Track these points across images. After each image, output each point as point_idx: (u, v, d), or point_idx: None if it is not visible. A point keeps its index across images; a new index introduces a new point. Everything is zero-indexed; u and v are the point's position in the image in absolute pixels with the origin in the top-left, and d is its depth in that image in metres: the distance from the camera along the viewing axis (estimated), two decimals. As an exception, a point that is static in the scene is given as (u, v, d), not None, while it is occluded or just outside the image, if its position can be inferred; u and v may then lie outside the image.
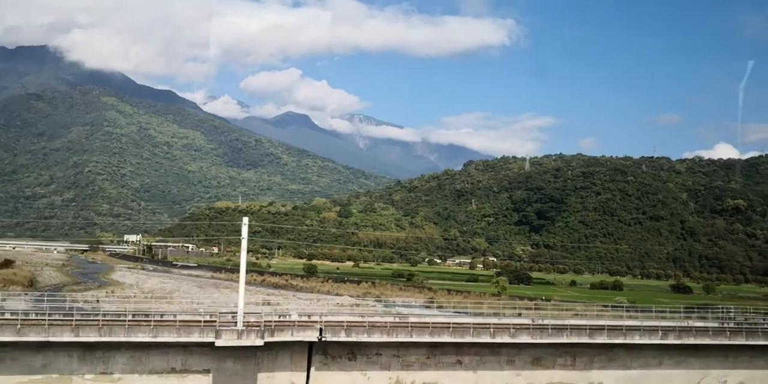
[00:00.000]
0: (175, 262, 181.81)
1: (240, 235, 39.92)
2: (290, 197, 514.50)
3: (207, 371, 36.53)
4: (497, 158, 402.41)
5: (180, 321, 36.31)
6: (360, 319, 39.98)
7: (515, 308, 62.24)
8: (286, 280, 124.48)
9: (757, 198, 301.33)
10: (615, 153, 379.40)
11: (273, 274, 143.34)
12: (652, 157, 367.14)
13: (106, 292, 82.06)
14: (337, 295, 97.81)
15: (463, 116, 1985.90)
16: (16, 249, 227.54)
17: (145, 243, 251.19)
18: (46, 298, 44.62)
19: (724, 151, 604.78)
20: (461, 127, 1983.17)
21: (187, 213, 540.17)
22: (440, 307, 69.85)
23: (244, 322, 36.86)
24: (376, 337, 38.31)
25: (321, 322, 38.47)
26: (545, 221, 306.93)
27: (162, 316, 37.53)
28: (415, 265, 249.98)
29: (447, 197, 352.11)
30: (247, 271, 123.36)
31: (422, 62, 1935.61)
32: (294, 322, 38.87)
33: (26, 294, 65.46)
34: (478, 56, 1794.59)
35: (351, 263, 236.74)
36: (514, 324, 41.30)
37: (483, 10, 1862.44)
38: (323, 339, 37.26)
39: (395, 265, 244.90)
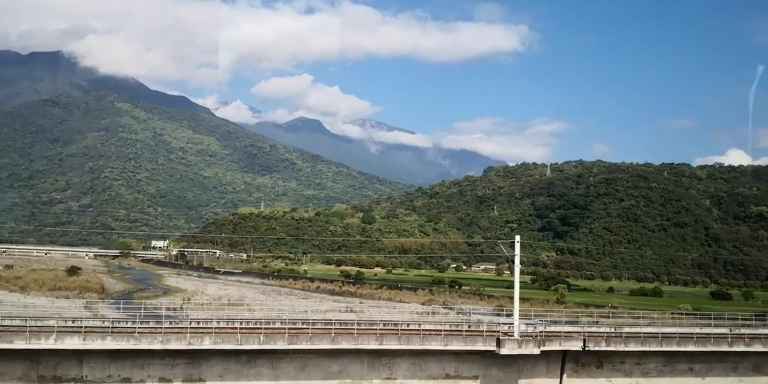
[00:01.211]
0: (217, 269, 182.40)
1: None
2: (306, 203, 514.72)
3: (476, 377, 40.40)
4: (517, 164, 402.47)
5: (465, 330, 40.64)
6: (614, 330, 43.50)
7: (624, 316, 62.71)
8: (340, 287, 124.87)
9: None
10: (627, 158, 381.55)
11: (323, 280, 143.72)
12: (672, 164, 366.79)
13: (184, 299, 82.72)
14: (399, 301, 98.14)
15: (476, 122, 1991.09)
16: (48, 255, 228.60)
17: (175, 249, 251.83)
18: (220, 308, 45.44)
19: (736, 157, 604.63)
20: (473, 133, 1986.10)
21: (203, 218, 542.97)
22: (526, 316, 70.19)
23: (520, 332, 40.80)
24: (632, 347, 41.77)
25: (584, 332, 41.93)
26: (569, 227, 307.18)
27: (408, 325, 40.94)
28: (443, 271, 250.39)
29: (469, 203, 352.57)
30: (286, 277, 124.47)
31: (435, 68, 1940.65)
32: (561, 332, 42.08)
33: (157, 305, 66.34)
34: (491, 62, 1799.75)
35: (380, 269, 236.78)
36: (715, 334, 44.48)
37: (496, 17, 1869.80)
38: (587, 349, 40.31)
39: (423, 271, 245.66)
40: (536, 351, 38.62)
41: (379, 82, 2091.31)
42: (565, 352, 40.72)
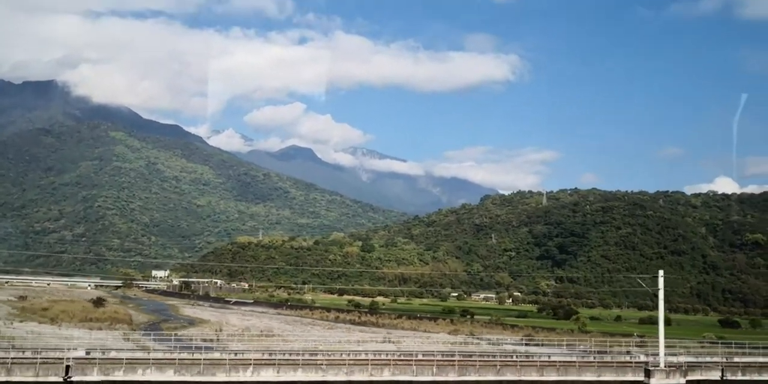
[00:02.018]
0: (227, 299, 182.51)
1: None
2: (300, 231, 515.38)
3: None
4: (513, 193, 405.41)
5: (617, 362, 43.80)
6: (753, 361, 47.32)
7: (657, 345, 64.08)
8: (359, 317, 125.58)
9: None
10: (616, 186, 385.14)
11: (339, 310, 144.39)
12: (666, 192, 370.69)
13: (216, 330, 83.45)
14: (425, 331, 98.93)
15: (466, 150, 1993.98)
16: (51, 285, 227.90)
17: (175, 279, 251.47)
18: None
19: (724, 184, 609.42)
20: (464, 161, 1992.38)
21: (197, 247, 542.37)
22: (569, 344, 71.56)
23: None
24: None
25: (722, 362, 45.52)
26: (567, 256, 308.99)
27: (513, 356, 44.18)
28: (444, 299, 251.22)
29: (466, 232, 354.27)
30: (299, 307, 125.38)
31: (426, 97, 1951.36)
32: (701, 363, 45.25)
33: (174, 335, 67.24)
34: (483, 91, 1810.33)
35: (382, 298, 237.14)
36: None
37: (487, 47, 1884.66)
38: (725, 378, 43.65)
39: (425, 300, 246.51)
40: (682, 381, 40.54)
41: (371, 110, 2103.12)
42: (700, 382, 42.93)
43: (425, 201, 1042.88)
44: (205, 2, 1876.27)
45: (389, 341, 74.03)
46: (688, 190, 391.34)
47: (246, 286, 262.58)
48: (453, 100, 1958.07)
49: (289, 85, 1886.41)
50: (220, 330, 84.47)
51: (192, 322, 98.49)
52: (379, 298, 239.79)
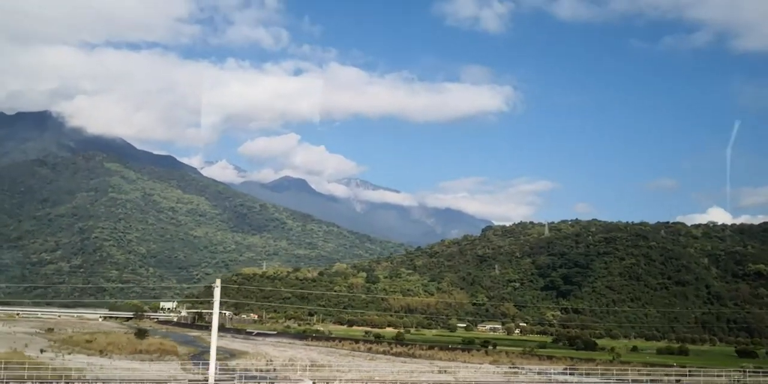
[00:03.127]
0: (249, 330, 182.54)
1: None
2: (297, 262, 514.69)
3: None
4: (514, 224, 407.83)
5: None
6: None
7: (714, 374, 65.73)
8: (391, 348, 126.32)
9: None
10: (609, 217, 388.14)
11: (365, 341, 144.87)
12: (667, 223, 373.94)
13: (267, 361, 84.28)
14: (464, 362, 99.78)
15: (460, 181, 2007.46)
16: (61, 317, 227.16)
17: (183, 310, 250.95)
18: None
19: (717, 215, 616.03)
20: (458, 192, 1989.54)
21: (195, 278, 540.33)
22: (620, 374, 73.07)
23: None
24: None
25: None
26: (572, 286, 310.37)
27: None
28: (453, 330, 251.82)
29: (469, 263, 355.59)
30: (318, 338, 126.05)
31: (420, 128, 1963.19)
32: None
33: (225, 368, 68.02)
34: (476, 122, 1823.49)
35: (391, 329, 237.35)
36: None
37: (481, 78, 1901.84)
38: None
39: (435, 331, 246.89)
40: None
41: (365, 141, 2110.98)
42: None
43: (419, 232, 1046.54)
44: (200, 34, 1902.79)
45: (444, 372, 75.15)
46: (682, 220, 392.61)
47: (255, 317, 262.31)
48: (447, 131, 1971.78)
49: (283, 116, 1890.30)
50: (270, 361, 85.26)
51: (233, 354, 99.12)
52: (388, 329, 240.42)
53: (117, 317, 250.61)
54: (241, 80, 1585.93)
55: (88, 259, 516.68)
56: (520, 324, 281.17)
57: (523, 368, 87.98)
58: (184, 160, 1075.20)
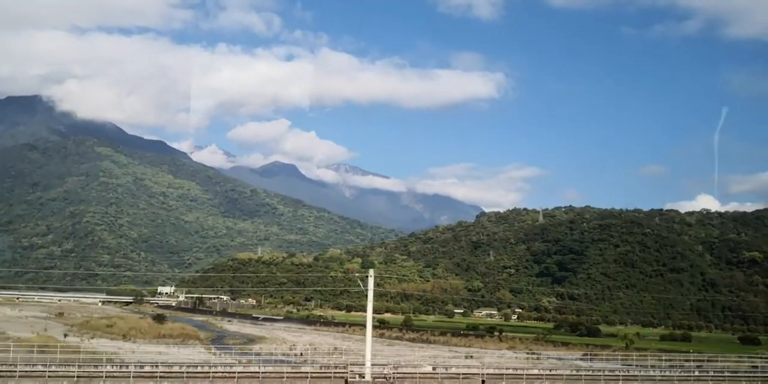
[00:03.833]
0: (255, 315, 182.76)
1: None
2: (288, 248, 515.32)
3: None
4: (508, 210, 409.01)
5: None
6: None
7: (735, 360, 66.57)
8: (403, 333, 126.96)
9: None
10: (599, 204, 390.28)
11: (378, 327, 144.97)
12: (661, 210, 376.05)
13: (291, 347, 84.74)
14: (481, 348, 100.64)
15: (450, 167, 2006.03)
16: (61, 302, 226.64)
17: (181, 295, 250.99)
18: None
19: (705, 202, 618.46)
20: (447, 178, 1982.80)
21: (186, 263, 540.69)
22: (647, 363, 73.78)
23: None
24: None
25: None
26: (567, 273, 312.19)
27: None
28: (451, 316, 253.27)
29: (464, 249, 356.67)
30: (327, 323, 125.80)
31: (411, 114, 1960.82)
32: None
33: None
34: (467, 109, 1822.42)
35: (389, 315, 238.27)
36: None
37: (474, 65, 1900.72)
38: None
39: (432, 317, 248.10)
40: None
41: (355, 127, 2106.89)
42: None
43: (408, 217, 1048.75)
44: (192, 19, 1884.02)
45: (471, 357, 75.78)
46: (672, 207, 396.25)
47: (254, 302, 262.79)
48: (437, 117, 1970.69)
49: (274, 102, 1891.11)
50: (294, 346, 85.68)
51: (252, 339, 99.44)
52: (387, 315, 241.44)
53: (116, 302, 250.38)
54: (232, 65, 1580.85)
55: (80, 243, 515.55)
56: (516, 310, 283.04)
57: (541, 354, 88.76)
58: (174, 145, 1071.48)
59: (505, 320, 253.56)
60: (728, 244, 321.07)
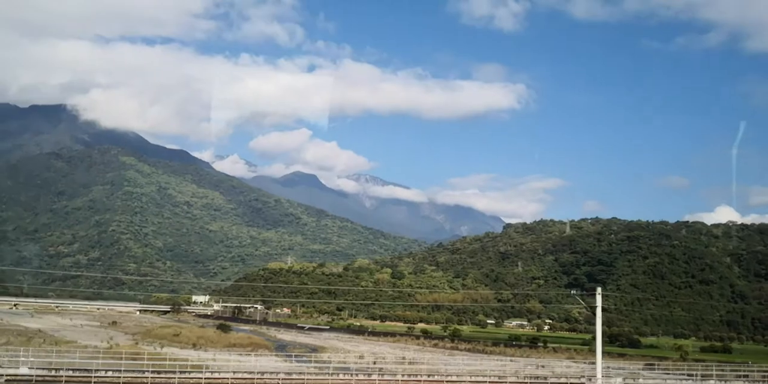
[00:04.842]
0: (300, 325, 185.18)
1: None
2: (312, 258, 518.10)
3: None
4: (535, 221, 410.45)
5: None
6: None
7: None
8: (457, 344, 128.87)
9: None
10: (619, 215, 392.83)
11: (426, 337, 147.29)
12: (687, 222, 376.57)
13: (360, 357, 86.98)
14: (541, 358, 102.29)
15: (470, 177, 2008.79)
16: (99, 310, 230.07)
17: (215, 304, 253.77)
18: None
19: (724, 214, 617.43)
20: (467, 189, 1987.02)
21: (211, 272, 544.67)
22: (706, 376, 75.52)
23: None
24: None
25: None
26: (596, 284, 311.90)
27: None
28: (484, 326, 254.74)
29: (491, 259, 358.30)
30: (375, 333, 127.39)
31: (432, 125, 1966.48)
32: None
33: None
34: (488, 120, 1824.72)
35: (423, 325, 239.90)
36: None
37: (495, 76, 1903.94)
38: None
39: (466, 327, 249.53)
40: None
41: (376, 137, 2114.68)
42: None
43: (428, 228, 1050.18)
44: (215, 29, 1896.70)
45: (543, 367, 77.74)
46: (691, 218, 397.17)
47: (288, 311, 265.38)
48: (458, 128, 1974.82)
49: (296, 112, 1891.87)
50: (362, 357, 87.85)
51: (314, 349, 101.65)
52: (420, 325, 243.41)
53: (153, 311, 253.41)
54: (255, 76, 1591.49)
55: (106, 252, 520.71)
56: (547, 321, 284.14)
57: (608, 366, 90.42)
58: (196, 155, 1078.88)
59: (537, 331, 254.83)
60: (756, 256, 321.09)
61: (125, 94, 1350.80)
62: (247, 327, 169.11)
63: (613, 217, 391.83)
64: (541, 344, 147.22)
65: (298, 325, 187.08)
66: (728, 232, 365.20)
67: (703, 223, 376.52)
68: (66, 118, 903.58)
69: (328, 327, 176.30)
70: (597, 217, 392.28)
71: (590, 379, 50.64)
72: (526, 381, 51.90)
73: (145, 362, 55.13)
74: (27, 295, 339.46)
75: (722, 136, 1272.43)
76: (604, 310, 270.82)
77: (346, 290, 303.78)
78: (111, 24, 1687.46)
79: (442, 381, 48.64)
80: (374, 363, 77.94)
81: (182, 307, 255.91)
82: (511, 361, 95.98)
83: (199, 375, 48.79)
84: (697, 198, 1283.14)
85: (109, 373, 45.20)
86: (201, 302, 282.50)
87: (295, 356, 74.94)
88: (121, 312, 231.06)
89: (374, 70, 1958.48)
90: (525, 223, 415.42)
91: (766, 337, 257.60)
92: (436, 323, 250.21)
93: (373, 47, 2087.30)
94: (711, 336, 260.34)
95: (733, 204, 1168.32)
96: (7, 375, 42.55)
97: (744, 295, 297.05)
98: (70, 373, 44.50)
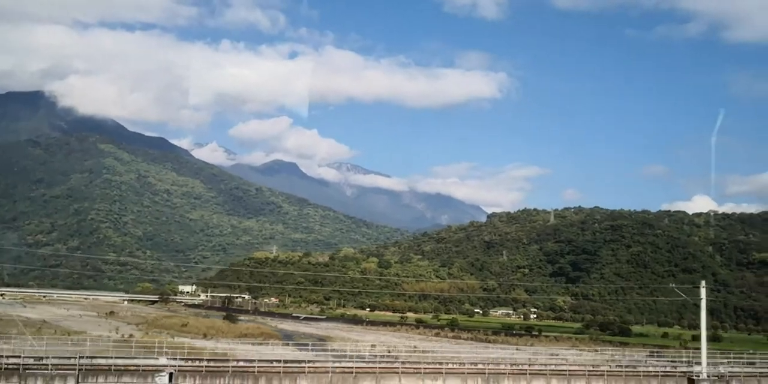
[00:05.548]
0: (296, 315, 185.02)
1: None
2: (294, 246, 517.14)
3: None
4: (519, 210, 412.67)
5: None
6: None
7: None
8: (457, 333, 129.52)
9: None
10: (598, 203, 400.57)
11: (426, 326, 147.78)
12: (669, 211, 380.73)
13: (372, 346, 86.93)
14: (541, 346, 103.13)
15: (451, 166, 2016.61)
16: (87, 300, 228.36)
17: (202, 294, 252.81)
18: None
19: (702, 203, 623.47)
20: (448, 177, 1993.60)
21: (192, 261, 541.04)
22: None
23: None
24: None
25: None
26: (580, 273, 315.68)
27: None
28: (472, 315, 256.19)
29: (477, 248, 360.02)
30: (374, 323, 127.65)
31: (414, 113, 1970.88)
32: None
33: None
34: (470, 108, 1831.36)
35: (412, 314, 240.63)
36: None
37: (478, 64, 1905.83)
38: None
39: (454, 316, 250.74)
40: None
41: (358, 126, 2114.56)
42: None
43: (409, 216, 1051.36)
44: (197, 16, 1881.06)
45: (556, 356, 78.26)
46: (667, 207, 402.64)
47: (276, 301, 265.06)
48: (440, 116, 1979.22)
49: (277, 99, 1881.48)
50: (374, 346, 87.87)
51: (321, 338, 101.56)
52: (409, 314, 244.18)
53: (141, 300, 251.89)
54: (236, 62, 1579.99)
55: (85, 241, 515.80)
56: (532, 309, 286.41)
57: (614, 354, 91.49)
58: (174, 142, 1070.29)
59: (524, 319, 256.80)
60: (738, 246, 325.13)
61: (104, 81, 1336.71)
62: (242, 317, 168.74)
63: (595, 206, 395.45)
64: (536, 333, 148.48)
65: (293, 314, 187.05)
66: (710, 221, 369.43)
67: (684, 213, 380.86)
68: (44, 105, 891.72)
69: (324, 317, 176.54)
70: (580, 206, 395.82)
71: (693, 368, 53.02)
72: (619, 371, 53.11)
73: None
74: (8, 285, 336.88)
75: (701, 125, 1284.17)
76: (587, 298, 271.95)
77: (334, 280, 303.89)
78: (90, 9, 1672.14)
79: (524, 372, 49.28)
80: (389, 352, 77.93)
81: (170, 297, 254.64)
82: (517, 349, 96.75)
83: (302, 365, 48.88)
84: (675, 187, 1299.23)
85: (241, 363, 46.50)
86: (188, 292, 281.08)
87: (312, 346, 74.69)
88: (107, 302, 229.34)
89: (357, 57, 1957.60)
90: (509, 213, 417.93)
91: (748, 326, 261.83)
92: (425, 312, 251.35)
93: (357, 34, 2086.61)
94: (694, 325, 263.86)
95: (710, 193, 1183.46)
96: (146, 365, 43.24)
97: (727, 283, 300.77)
98: (206, 363, 45.26)
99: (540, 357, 67.23)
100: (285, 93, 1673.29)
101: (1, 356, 40.91)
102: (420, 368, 48.33)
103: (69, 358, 41.87)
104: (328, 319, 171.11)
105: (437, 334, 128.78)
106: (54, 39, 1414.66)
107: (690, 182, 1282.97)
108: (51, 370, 39.97)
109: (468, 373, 48.68)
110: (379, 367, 48.17)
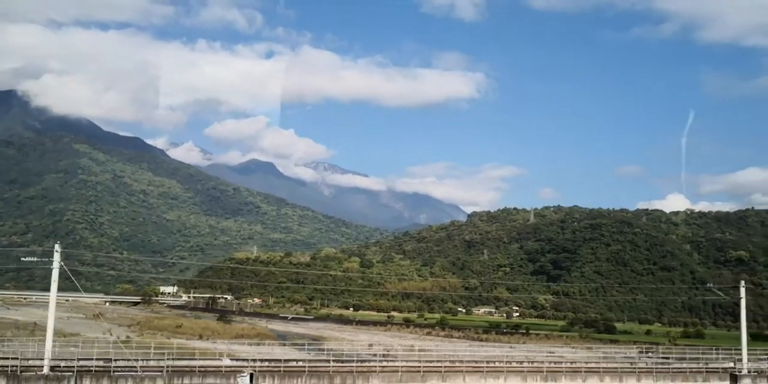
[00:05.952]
0: (283, 315, 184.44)
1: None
2: (273, 247, 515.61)
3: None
4: (499, 210, 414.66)
5: None
6: None
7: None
8: (448, 332, 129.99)
9: (757, 249, 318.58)
10: (577, 202, 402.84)
11: (418, 325, 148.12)
12: (647, 210, 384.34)
13: (370, 345, 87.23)
14: (535, 344, 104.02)
15: (429, 165, 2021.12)
16: (68, 302, 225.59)
17: (184, 295, 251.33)
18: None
19: (676, 202, 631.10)
20: (426, 177, 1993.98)
21: (170, 263, 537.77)
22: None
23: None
24: None
25: None
26: (561, 271, 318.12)
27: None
28: (455, 314, 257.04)
29: (458, 248, 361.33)
30: (364, 322, 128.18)
31: (392, 113, 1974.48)
32: None
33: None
34: (447, 108, 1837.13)
35: (396, 313, 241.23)
36: None
37: (455, 64, 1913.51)
38: None
39: (437, 315, 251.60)
40: None
41: (335, 125, 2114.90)
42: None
43: (387, 216, 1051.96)
44: (173, 15, 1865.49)
45: (553, 354, 79.01)
46: (643, 206, 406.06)
47: (260, 302, 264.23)
48: (418, 116, 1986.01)
49: (253, 99, 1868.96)
50: (371, 346, 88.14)
51: (315, 339, 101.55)
52: (394, 313, 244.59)
53: (122, 302, 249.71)
54: (212, 62, 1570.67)
55: (61, 242, 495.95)
56: (514, 307, 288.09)
57: (606, 351, 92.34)
58: (150, 142, 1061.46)
59: (507, 318, 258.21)
60: (715, 244, 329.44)
61: (78, 80, 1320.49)
62: (230, 318, 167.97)
63: (574, 205, 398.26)
64: (524, 331, 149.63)
65: (281, 315, 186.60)
66: (687, 219, 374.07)
67: (662, 211, 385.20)
68: (17, 104, 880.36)
69: (311, 317, 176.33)
70: (559, 206, 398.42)
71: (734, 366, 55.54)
72: (666, 368, 55.16)
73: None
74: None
75: (674, 125, 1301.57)
76: (568, 296, 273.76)
77: (316, 279, 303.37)
78: (64, 7, 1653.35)
79: (580, 370, 50.78)
80: (387, 352, 78.16)
81: (152, 298, 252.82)
82: (511, 348, 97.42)
83: (373, 363, 51.49)
84: (650, 186, 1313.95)
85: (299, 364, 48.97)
86: (169, 293, 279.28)
87: (313, 347, 74.89)
88: (89, 303, 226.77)
89: (334, 57, 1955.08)
90: (489, 212, 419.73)
91: (727, 322, 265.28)
92: (409, 312, 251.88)
93: (334, 34, 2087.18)
94: (674, 322, 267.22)
95: (683, 191, 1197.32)
96: (227, 366, 45.20)
97: (704, 281, 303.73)
98: (258, 363, 46.54)
99: (578, 355, 67.80)
100: (261, 93, 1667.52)
101: (71, 359, 43.50)
102: (482, 367, 50.56)
103: (157, 360, 44.84)
104: (316, 319, 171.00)
105: (428, 333, 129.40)
106: (28, 38, 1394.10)
107: (664, 182, 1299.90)
108: (139, 372, 41.83)
109: (528, 372, 50.79)
110: (445, 367, 50.17)
